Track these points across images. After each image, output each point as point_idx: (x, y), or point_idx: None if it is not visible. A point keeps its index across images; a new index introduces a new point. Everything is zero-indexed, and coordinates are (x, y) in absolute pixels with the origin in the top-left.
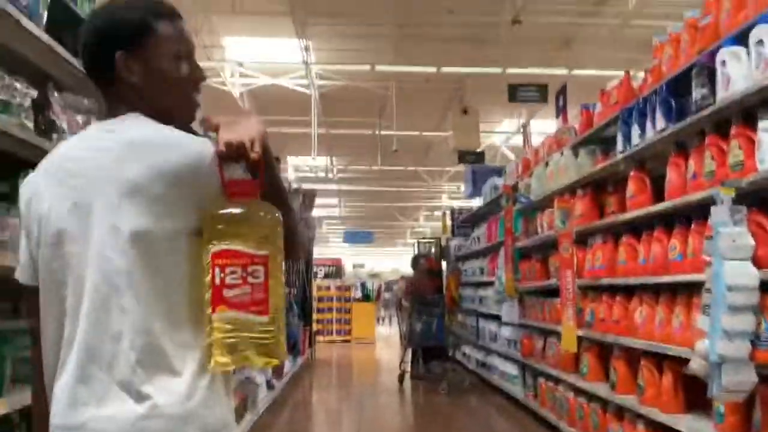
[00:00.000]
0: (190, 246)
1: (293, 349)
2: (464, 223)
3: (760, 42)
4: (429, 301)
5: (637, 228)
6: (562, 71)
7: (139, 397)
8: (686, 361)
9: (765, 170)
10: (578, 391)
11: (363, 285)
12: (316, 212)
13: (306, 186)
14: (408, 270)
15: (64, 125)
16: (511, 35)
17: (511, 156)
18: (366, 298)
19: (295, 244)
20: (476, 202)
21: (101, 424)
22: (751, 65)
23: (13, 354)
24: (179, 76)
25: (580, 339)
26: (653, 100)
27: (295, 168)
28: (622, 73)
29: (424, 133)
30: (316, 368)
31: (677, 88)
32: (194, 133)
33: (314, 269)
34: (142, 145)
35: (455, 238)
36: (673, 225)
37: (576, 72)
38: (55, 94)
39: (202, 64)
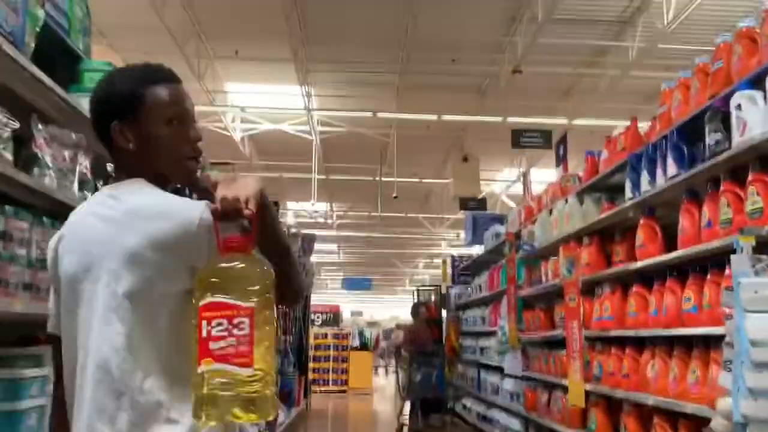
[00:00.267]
0: (186, 305)
1: (288, 398)
2: (465, 270)
3: None
4: (429, 351)
5: (647, 278)
6: (562, 121)
7: None
8: (703, 419)
9: None
10: None
11: (361, 333)
12: (314, 258)
13: (305, 231)
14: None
15: (48, 159)
16: (512, 85)
17: (512, 204)
18: (364, 346)
19: (293, 289)
20: (476, 250)
21: None
22: (767, 109)
23: None
24: (172, 141)
25: (587, 393)
26: (663, 146)
27: (294, 213)
28: (621, 123)
29: (425, 180)
30: (311, 420)
31: (688, 134)
32: (199, 188)
33: (311, 316)
34: (138, 216)
35: (456, 286)
36: (685, 275)
37: (576, 122)
38: (40, 126)
39: (204, 108)
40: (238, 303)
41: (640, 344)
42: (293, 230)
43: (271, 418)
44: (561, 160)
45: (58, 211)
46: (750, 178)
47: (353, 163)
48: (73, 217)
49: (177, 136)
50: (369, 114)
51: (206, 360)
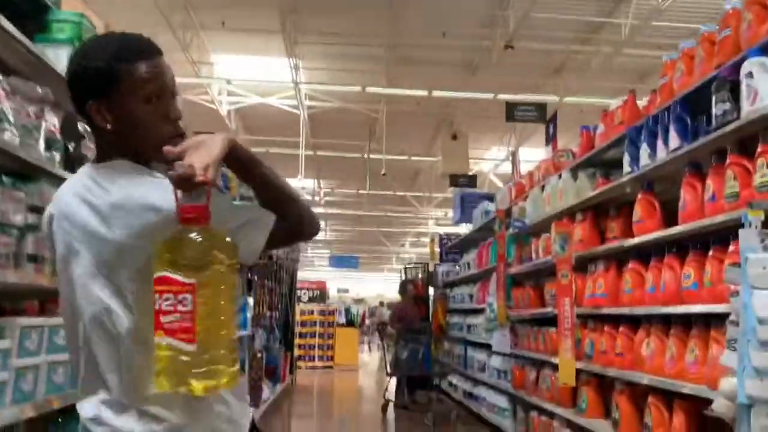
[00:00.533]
0: None
1: (273, 374)
2: (453, 248)
3: None
4: (416, 328)
5: (644, 254)
6: (553, 98)
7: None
8: (701, 400)
9: None
10: (575, 428)
11: (347, 310)
12: None
13: None
14: (393, 296)
15: (9, 114)
16: (503, 61)
17: (499, 184)
18: (350, 323)
19: (309, 224)
20: (463, 229)
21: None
22: None
23: None
24: (151, 121)
25: (578, 372)
26: (665, 118)
27: None
28: (612, 101)
29: (413, 158)
30: (296, 395)
31: (691, 106)
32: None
33: (298, 293)
34: (125, 210)
35: (443, 264)
36: (685, 251)
37: (567, 100)
38: (0, 77)
39: (189, 80)
40: (181, 279)
41: (634, 322)
42: None
43: (229, 388)
44: (551, 139)
45: (21, 172)
46: (760, 149)
47: (341, 140)
48: (61, 196)
49: (156, 114)
50: (358, 88)
51: (158, 332)
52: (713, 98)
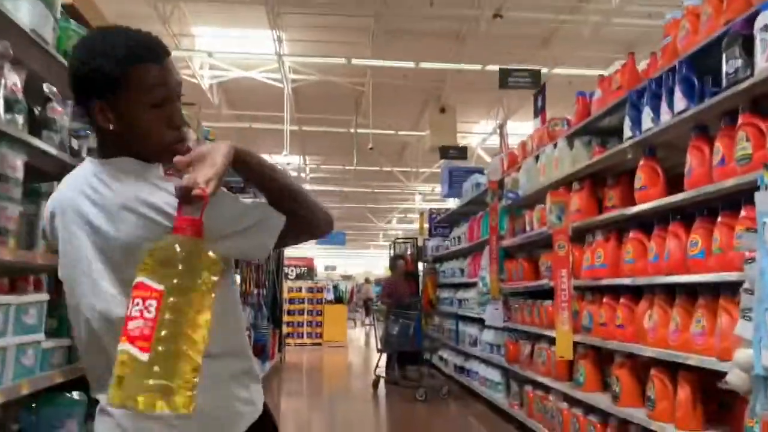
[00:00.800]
0: None
1: (262, 352)
2: (442, 223)
3: None
4: (406, 303)
5: (645, 223)
6: (542, 69)
7: None
8: (707, 371)
9: None
10: (572, 402)
11: (335, 287)
12: None
13: None
14: (380, 273)
15: None
16: (492, 32)
17: (487, 158)
18: (338, 300)
19: (319, 220)
20: (452, 203)
21: None
22: None
23: None
24: (154, 127)
25: (575, 345)
26: (669, 79)
27: None
28: (601, 72)
29: (400, 133)
30: (285, 373)
31: (697, 66)
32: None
33: (285, 270)
34: (132, 211)
35: (433, 239)
36: (690, 218)
37: (556, 71)
38: None
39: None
40: (153, 285)
41: (636, 293)
42: None
43: (175, 412)
44: (539, 111)
45: None
46: None
47: (327, 114)
48: (64, 191)
49: (160, 121)
50: (343, 60)
51: (122, 338)
52: (723, 56)
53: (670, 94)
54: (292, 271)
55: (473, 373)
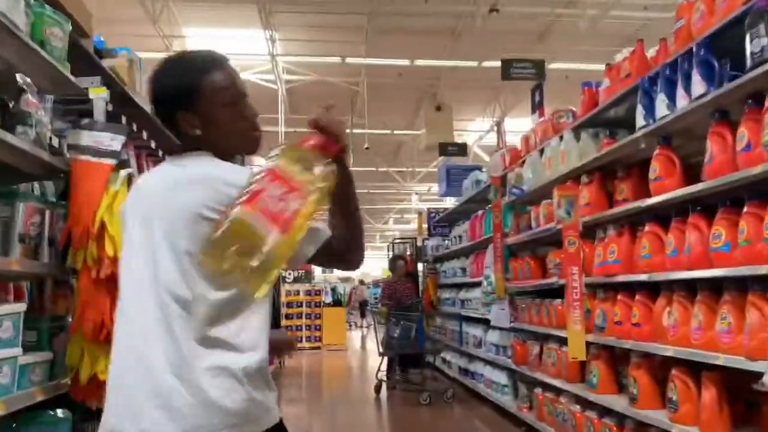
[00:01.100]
0: None
1: None
2: (441, 222)
3: None
4: (407, 305)
5: (661, 216)
6: None
7: None
8: (735, 371)
9: None
10: (584, 404)
11: (334, 289)
12: None
13: None
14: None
15: None
16: (487, 27)
17: (484, 156)
18: (337, 302)
19: (359, 253)
20: (449, 203)
21: None
22: None
23: None
24: (232, 121)
25: (587, 345)
26: (685, 63)
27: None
28: (599, 66)
29: (396, 132)
30: (285, 378)
31: (714, 48)
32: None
33: (282, 273)
34: (205, 182)
35: (432, 238)
36: (710, 210)
37: (553, 66)
38: None
39: (160, 55)
40: (299, 185)
41: (652, 290)
42: None
43: (250, 293)
44: (537, 106)
45: None
46: None
47: None
48: (139, 183)
49: (236, 115)
50: (337, 59)
51: (248, 207)
52: (747, 35)
53: (687, 78)
54: (289, 274)
55: (478, 375)
